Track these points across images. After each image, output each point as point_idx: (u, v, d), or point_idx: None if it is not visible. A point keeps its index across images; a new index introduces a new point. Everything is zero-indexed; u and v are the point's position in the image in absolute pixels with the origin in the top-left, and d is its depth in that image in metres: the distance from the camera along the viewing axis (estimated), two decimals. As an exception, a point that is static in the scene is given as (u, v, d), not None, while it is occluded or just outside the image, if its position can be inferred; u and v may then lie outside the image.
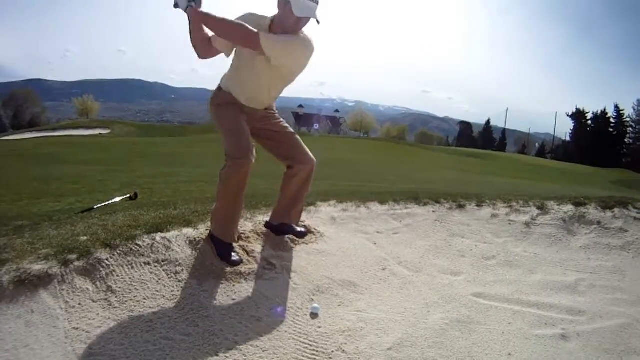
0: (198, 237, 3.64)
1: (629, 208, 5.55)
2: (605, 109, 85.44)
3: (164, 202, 5.02)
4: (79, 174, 10.55)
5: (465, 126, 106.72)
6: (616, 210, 5.48)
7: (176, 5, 3.24)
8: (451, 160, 30.90)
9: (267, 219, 4.17)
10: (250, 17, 3.31)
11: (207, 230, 3.72)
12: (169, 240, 3.50)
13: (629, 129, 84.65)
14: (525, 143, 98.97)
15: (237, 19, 3.26)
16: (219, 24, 3.21)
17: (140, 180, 8.78)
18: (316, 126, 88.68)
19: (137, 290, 3.05)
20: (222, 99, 3.60)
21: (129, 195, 5.75)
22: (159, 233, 3.55)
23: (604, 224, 5.32)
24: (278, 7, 3.30)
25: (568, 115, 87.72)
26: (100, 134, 45.19)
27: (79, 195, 6.88)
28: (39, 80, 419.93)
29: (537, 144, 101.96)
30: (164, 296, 3.08)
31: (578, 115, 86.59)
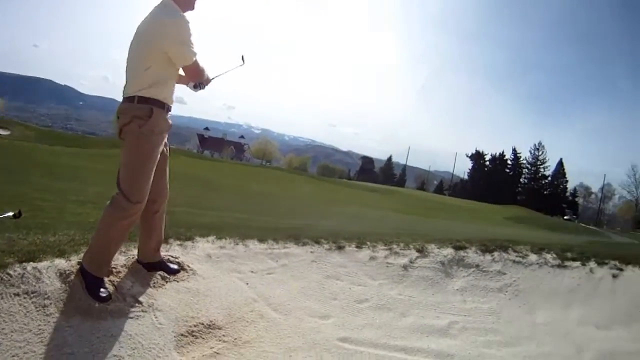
0: (69, 270, 3.35)
1: (509, 252, 5.62)
2: (503, 152, 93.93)
3: (46, 225, 4.59)
4: None
5: (367, 161, 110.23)
6: (495, 253, 5.54)
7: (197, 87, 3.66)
8: (351, 194, 31.41)
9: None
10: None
11: (79, 262, 3.42)
12: (39, 271, 3.21)
13: (525, 170, 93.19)
14: (424, 180, 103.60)
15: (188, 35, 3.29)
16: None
17: (30, 195, 8.05)
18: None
19: (5, 322, 2.83)
20: (159, 125, 3.35)
21: (12, 214, 5.10)
22: (31, 262, 3.26)
23: (482, 267, 5.33)
24: None
25: (467, 156, 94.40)
26: None
27: None
28: None
29: (435, 182, 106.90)
30: (30, 330, 2.87)
31: (477, 157, 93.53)
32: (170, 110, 3.43)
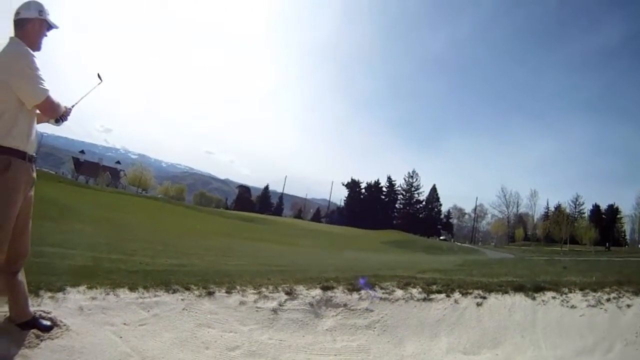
0: None
1: (375, 289, 5.71)
2: (378, 180, 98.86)
3: None
4: None
5: (244, 190, 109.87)
6: (362, 292, 5.63)
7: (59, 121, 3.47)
8: (227, 225, 31.16)
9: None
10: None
11: None
12: None
13: (400, 196, 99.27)
14: (302, 208, 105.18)
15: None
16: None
17: None
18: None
19: None
20: (18, 178, 3.14)
21: None
22: None
23: (350, 305, 5.39)
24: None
25: (343, 185, 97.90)
26: None
27: None
28: None
29: (312, 210, 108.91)
30: None
31: (353, 185, 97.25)
32: (33, 161, 3.24)
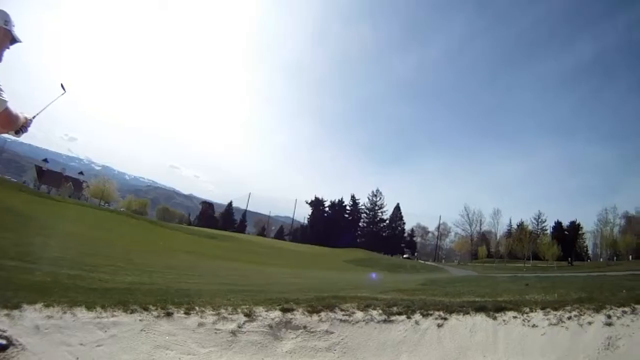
0: None
1: (335, 311, 5.69)
2: (342, 198, 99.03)
3: None
4: None
5: (207, 206, 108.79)
6: (322, 314, 5.59)
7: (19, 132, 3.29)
8: (189, 241, 30.79)
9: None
10: None
11: None
12: None
13: (364, 215, 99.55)
14: (265, 225, 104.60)
15: None
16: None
17: None
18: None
19: None
20: None
21: None
22: None
23: (310, 327, 5.34)
24: None
25: (307, 203, 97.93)
26: None
27: None
28: None
29: (274, 227, 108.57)
30: None
31: (316, 203, 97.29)
32: None
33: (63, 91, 3.65)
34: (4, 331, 3.78)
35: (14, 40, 3.16)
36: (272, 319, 5.30)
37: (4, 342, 3.60)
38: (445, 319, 5.77)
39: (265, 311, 5.42)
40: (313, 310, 5.61)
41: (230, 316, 5.19)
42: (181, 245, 25.91)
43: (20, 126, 3.23)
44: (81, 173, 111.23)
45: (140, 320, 4.79)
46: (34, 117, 3.40)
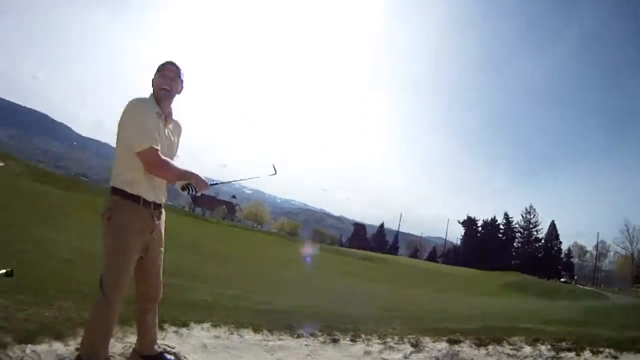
0: (67, 357, 3.29)
1: (503, 344, 5.53)
2: (495, 217, 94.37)
3: (37, 291, 4.60)
4: None
5: (359, 227, 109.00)
6: (490, 347, 5.43)
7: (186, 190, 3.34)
8: (343, 263, 31.03)
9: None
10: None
11: (77, 348, 3.35)
12: (39, 355, 3.19)
13: (518, 234, 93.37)
14: (417, 246, 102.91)
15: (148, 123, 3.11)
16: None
17: (19, 246, 7.77)
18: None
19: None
20: (129, 220, 3.14)
21: (4, 272, 4.99)
22: (30, 345, 3.23)
23: (477, 362, 5.23)
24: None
25: (459, 222, 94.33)
26: (-7, 165, 42.22)
27: None
28: None
29: (428, 248, 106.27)
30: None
31: (469, 222, 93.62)
32: (157, 208, 3.30)
33: (274, 172, 3.80)
34: (172, 347, 3.97)
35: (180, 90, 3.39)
36: (439, 351, 5.23)
37: (172, 357, 3.76)
38: (616, 357, 5.37)
39: (432, 342, 5.37)
40: (480, 343, 5.46)
41: (397, 345, 5.19)
42: (336, 268, 26.34)
43: (186, 183, 3.29)
44: (234, 197, 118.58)
45: (306, 345, 4.93)
46: (214, 184, 3.55)
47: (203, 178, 3.26)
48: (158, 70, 3.25)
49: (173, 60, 3.28)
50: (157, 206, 3.28)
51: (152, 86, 3.24)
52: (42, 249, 8.31)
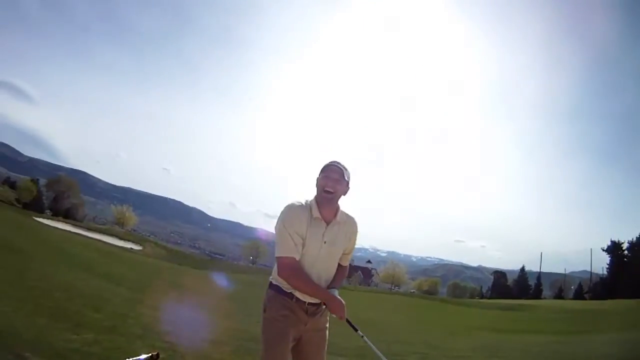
0: None
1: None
2: None
3: None
4: (102, 296, 10.25)
5: (499, 275, 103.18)
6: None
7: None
8: (484, 317, 29.81)
9: None
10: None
11: None
12: None
13: None
14: (561, 286, 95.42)
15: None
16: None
17: (163, 327, 8.01)
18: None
19: None
20: (281, 313, 3.17)
21: (150, 355, 5.46)
22: None
23: None
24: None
25: (603, 250, 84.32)
26: (131, 248, 46.27)
27: (99, 331, 6.34)
28: (85, 173, 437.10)
29: (573, 286, 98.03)
30: None
31: (614, 248, 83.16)
32: (313, 306, 3.22)
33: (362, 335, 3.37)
34: None
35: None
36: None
37: None
38: None
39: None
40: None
41: None
42: (477, 322, 25.37)
43: (314, 297, 3.20)
44: (369, 261, 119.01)
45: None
46: (352, 326, 3.28)
47: (342, 305, 3.15)
48: (322, 170, 3.20)
49: (338, 161, 3.22)
50: (313, 305, 3.22)
51: (316, 187, 3.20)
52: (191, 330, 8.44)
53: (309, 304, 3.19)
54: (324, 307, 3.22)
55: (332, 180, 3.13)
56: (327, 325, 3.41)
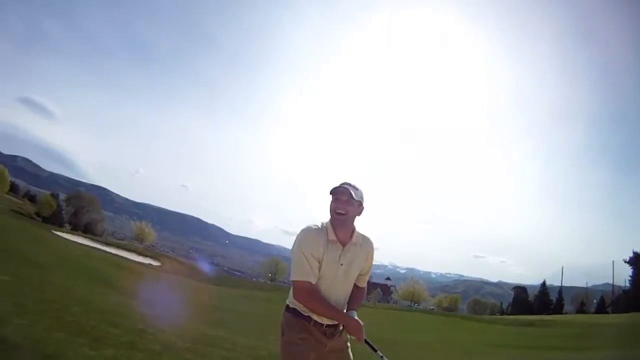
0: None
1: None
2: None
3: None
4: (120, 312, 10.15)
5: (520, 291, 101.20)
6: None
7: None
8: (506, 334, 29.39)
9: None
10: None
11: None
12: None
13: None
14: (583, 299, 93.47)
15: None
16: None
17: (181, 343, 7.96)
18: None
19: None
20: (298, 336, 3.20)
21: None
22: None
23: None
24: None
25: (626, 262, 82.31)
26: (150, 264, 46.65)
27: (117, 347, 6.30)
28: (105, 189, 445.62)
29: (595, 300, 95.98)
30: None
31: (636, 260, 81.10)
32: (332, 328, 3.26)
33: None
34: None
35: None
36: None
37: None
38: None
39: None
40: None
41: None
42: (499, 339, 25.00)
43: (340, 322, 3.25)
44: (388, 278, 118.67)
45: None
46: (371, 346, 3.30)
47: (360, 326, 3.18)
48: (331, 193, 3.24)
49: (347, 182, 3.28)
50: (331, 327, 3.27)
51: (329, 211, 3.24)
52: (208, 348, 8.45)
53: (327, 325, 3.23)
54: (341, 327, 3.26)
55: (342, 202, 3.17)
56: (349, 344, 3.41)
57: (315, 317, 3.20)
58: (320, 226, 3.23)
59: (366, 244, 3.38)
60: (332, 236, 3.19)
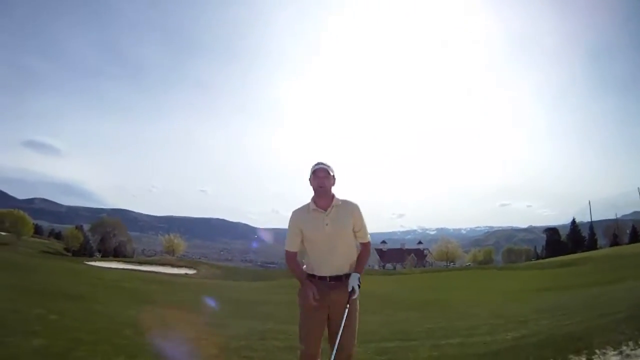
0: None
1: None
2: None
3: None
4: (170, 325, 10.44)
5: (552, 232, 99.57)
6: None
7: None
8: (543, 278, 29.37)
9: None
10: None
11: None
12: None
13: None
14: (615, 231, 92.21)
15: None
16: None
17: (236, 342, 8.16)
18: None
19: None
20: (306, 293, 3.98)
21: None
22: None
23: None
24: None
25: None
26: (186, 273, 47.07)
27: None
28: (125, 210, 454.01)
29: (628, 231, 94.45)
30: None
31: None
32: (335, 280, 4.04)
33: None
34: None
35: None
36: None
37: None
38: None
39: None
40: None
41: (633, 352, 5.03)
42: (537, 284, 24.82)
43: (298, 280, 4.25)
44: (420, 242, 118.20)
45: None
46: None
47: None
48: (312, 172, 4.06)
49: (321, 161, 4.08)
50: (334, 278, 4.05)
51: (311, 185, 4.07)
52: (260, 345, 8.43)
53: (330, 278, 4.04)
54: (346, 284, 3.96)
55: (321, 178, 4.03)
56: (355, 304, 4.02)
57: (317, 273, 4.08)
58: (303, 206, 4.16)
59: (347, 204, 4.14)
60: (313, 207, 4.08)
